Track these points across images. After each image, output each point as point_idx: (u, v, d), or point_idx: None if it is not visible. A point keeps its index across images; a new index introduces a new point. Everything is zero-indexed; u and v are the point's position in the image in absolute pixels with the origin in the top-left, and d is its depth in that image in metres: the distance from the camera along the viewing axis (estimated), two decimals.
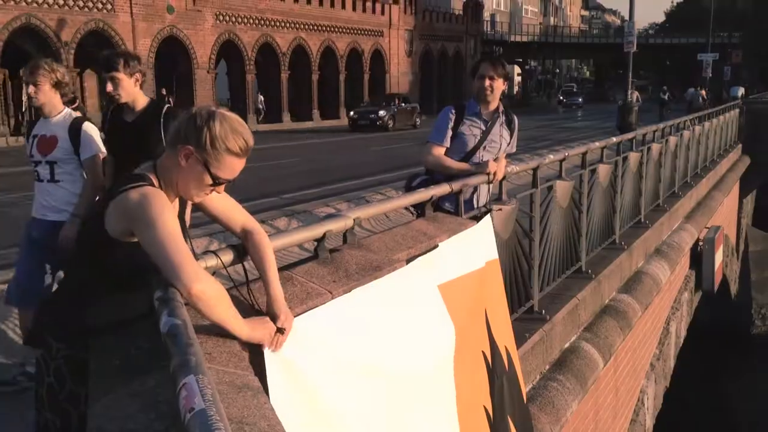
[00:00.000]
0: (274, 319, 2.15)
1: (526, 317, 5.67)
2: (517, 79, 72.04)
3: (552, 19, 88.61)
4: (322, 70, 40.61)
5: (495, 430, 3.78)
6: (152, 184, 2.19)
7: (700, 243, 11.87)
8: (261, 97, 38.78)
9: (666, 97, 35.24)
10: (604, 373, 7.15)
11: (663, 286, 9.27)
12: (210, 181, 2.20)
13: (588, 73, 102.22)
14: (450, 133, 4.88)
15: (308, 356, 2.24)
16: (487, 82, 4.81)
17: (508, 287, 5.21)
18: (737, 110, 19.91)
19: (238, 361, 1.96)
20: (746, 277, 19.41)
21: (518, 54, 65.87)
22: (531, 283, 5.76)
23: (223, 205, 2.48)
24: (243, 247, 2.45)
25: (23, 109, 28.81)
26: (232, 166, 2.20)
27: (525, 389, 4.34)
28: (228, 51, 35.30)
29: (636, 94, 24.28)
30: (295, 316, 2.26)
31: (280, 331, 2.12)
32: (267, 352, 2.07)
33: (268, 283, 2.29)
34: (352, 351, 2.51)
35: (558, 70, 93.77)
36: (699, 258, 11.80)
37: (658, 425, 9.65)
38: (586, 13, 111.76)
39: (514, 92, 67.91)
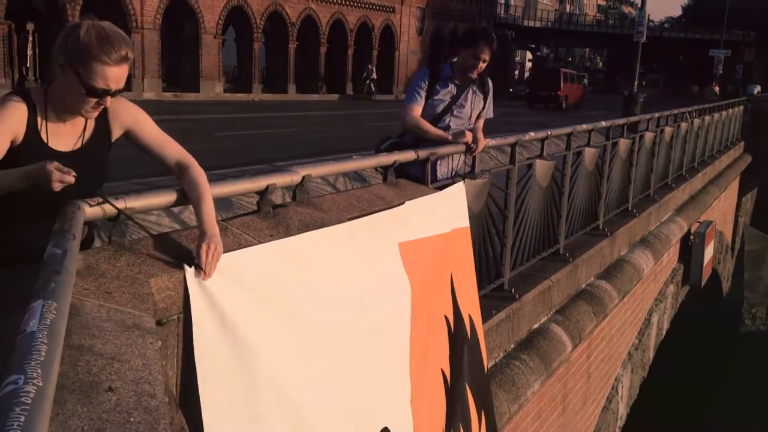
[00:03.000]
0: (199, 248, 2.13)
1: (495, 294, 5.62)
2: (528, 65, 71.51)
3: (568, 6, 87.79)
4: (330, 43, 40.32)
5: (450, 394, 3.76)
6: (26, 98, 2.21)
7: (691, 237, 11.80)
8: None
9: (696, 92, 35.15)
10: (576, 357, 7.12)
11: (646, 276, 9.22)
12: (84, 91, 2.17)
13: (600, 64, 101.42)
14: (424, 93, 4.79)
15: (234, 294, 2.20)
16: (480, 64, 4.72)
17: (477, 262, 5.16)
18: (742, 107, 19.72)
19: (140, 302, 1.91)
20: (740, 276, 19.36)
21: (531, 39, 65.28)
22: (502, 261, 5.70)
23: (155, 137, 2.45)
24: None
25: (27, 63, 28.74)
26: (104, 75, 2.17)
27: (486, 360, 4.30)
28: (236, 17, 35.03)
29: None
30: (226, 252, 2.23)
31: (201, 268, 2.09)
32: (190, 281, 2.05)
33: (199, 212, 2.29)
34: (289, 296, 2.46)
35: (570, 59, 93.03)
36: (688, 252, 11.73)
37: (633, 415, 9.65)
38: (603, 2, 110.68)
39: (525, 78, 67.42)
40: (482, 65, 4.72)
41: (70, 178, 1.98)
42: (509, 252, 5.76)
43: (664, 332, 10.96)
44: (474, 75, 4.76)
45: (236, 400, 2.12)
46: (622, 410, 9.13)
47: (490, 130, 5.36)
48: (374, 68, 40.46)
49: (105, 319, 1.66)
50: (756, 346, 18.58)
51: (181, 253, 2.26)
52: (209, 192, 2.39)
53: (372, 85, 39.58)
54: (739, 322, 19.43)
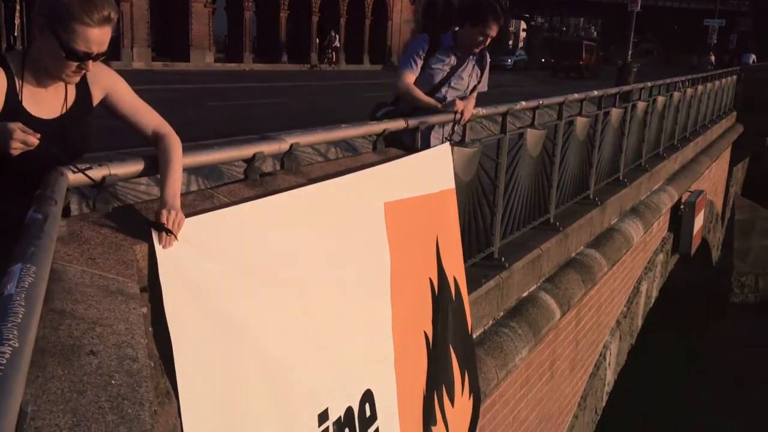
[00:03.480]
0: (158, 216, 2.09)
1: (485, 263, 5.64)
2: (523, 34, 70.91)
3: None
4: (322, 12, 39.86)
5: (433, 357, 3.79)
6: (2, 64, 2.15)
7: (681, 206, 11.84)
8: None
9: (696, 62, 35.08)
10: (565, 325, 7.19)
11: (636, 244, 9.27)
12: (64, 54, 2.12)
13: (595, 33, 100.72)
14: (421, 62, 4.76)
15: (205, 258, 2.19)
16: (487, 41, 4.68)
17: (467, 231, 5.18)
18: (735, 77, 19.67)
19: (125, 269, 1.91)
20: (729, 245, 19.48)
21: (525, 8, 64.67)
22: (492, 230, 5.72)
23: (132, 105, 2.41)
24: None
25: (15, 32, 28.31)
26: (86, 37, 2.11)
27: (471, 322, 4.34)
28: None
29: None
30: (193, 215, 2.22)
31: (166, 231, 2.06)
32: (158, 251, 2.04)
33: (163, 181, 2.24)
34: (266, 258, 2.46)
35: (565, 29, 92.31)
36: (678, 221, 11.79)
37: (620, 381, 9.77)
38: None
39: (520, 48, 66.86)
40: (488, 41, 4.70)
41: (33, 140, 1.92)
42: (499, 221, 5.77)
43: (653, 300, 11.06)
44: (477, 50, 4.74)
45: (213, 365, 2.12)
46: (610, 377, 9.25)
47: (484, 100, 5.35)
48: (338, 36, 39.86)
49: (88, 285, 1.66)
50: (745, 315, 18.79)
51: None
52: (179, 163, 2.34)
53: (334, 54, 38.93)
54: (728, 291, 19.61)
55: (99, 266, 1.85)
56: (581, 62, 39.86)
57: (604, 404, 9.29)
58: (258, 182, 2.93)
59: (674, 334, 15.21)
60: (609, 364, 9.04)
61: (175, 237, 2.07)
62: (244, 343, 2.31)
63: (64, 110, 2.30)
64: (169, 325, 1.91)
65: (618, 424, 10.43)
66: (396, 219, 3.33)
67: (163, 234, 2.05)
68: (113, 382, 1.27)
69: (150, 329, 1.92)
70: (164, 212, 2.09)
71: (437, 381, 3.81)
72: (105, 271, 1.84)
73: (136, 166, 2.31)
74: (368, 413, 3.05)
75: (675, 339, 15.34)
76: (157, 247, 2.04)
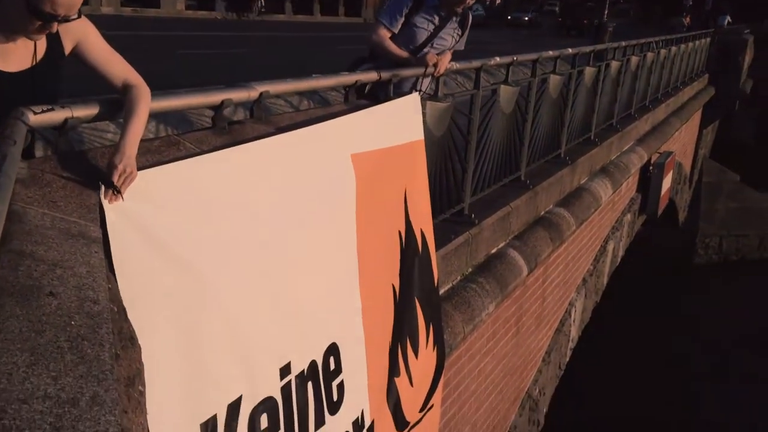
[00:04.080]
0: (112, 168, 2.04)
1: (455, 219, 5.67)
2: None
3: None
4: None
5: (399, 309, 3.82)
6: None
7: (651, 167, 11.98)
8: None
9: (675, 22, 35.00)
10: (532, 282, 7.29)
11: (604, 204, 9.38)
12: (28, 11, 2.06)
13: None
14: (402, 19, 4.70)
15: (162, 211, 2.15)
16: (470, 0, 4.64)
17: (438, 187, 5.19)
18: (708, 39, 19.75)
19: (87, 212, 1.88)
20: (696, 207, 19.82)
21: None
22: (463, 186, 5.74)
23: (102, 55, 2.35)
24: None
25: None
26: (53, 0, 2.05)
27: (437, 275, 4.37)
28: None
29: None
30: (148, 168, 2.17)
31: (113, 188, 2.01)
32: (105, 205, 1.99)
33: (126, 128, 2.18)
34: (226, 211, 2.42)
35: None
36: (647, 181, 11.93)
37: (584, 337, 9.99)
38: None
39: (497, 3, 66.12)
40: (470, 1, 4.65)
41: None
42: (470, 177, 5.79)
43: (619, 260, 11.25)
44: (461, 10, 4.69)
45: (170, 317, 2.10)
46: (574, 333, 9.45)
47: (464, 57, 5.31)
48: None
49: (48, 227, 1.64)
50: (708, 275, 19.23)
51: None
52: (144, 115, 2.28)
53: (260, 1, 37.85)
54: (692, 252, 20.02)
55: (60, 209, 1.82)
56: (585, 21, 41.86)
57: (567, 359, 9.51)
58: (226, 130, 2.89)
59: (638, 293, 15.54)
60: (574, 321, 9.23)
61: (122, 196, 2.01)
62: (204, 296, 2.29)
63: (34, 62, 2.26)
64: (116, 275, 1.87)
65: (581, 379, 10.71)
66: (363, 171, 3.30)
67: (110, 190, 1.99)
68: (73, 323, 1.26)
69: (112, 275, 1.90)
70: (115, 169, 2.03)
71: (402, 333, 3.84)
72: (66, 215, 1.81)
73: (99, 109, 2.26)
74: (332, 366, 3.07)
75: (639, 298, 15.68)
76: (104, 201, 2.00)
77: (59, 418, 1.03)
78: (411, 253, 3.95)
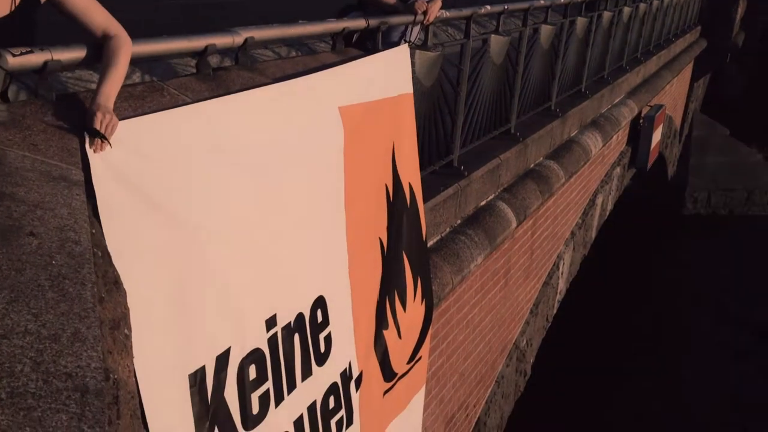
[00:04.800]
0: (91, 119, 1.99)
1: (444, 171, 5.66)
2: None
3: None
4: None
5: (387, 262, 3.83)
6: None
7: (641, 120, 11.95)
8: None
9: None
10: (521, 234, 7.32)
11: (594, 157, 9.37)
12: None
13: None
14: None
15: (146, 161, 2.11)
16: None
17: (427, 138, 5.16)
18: None
19: (68, 156, 1.85)
20: (685, 161, 19.85)
21: None
22: (453, 138, 5.70)
23: (81, 3, 2.28)
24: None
25: None
26: None
27: (425, 229, 4.37)
28: None
29: None
30: (129, 118, 2.13)
31: (100, 135, 1.97)
32: (90, 153, 1.95)
33: (101, 81, 2.13)
34: (212, 163, 2.40)
35: None
36: (637, 135, 11.91)
37: (572, 290, 10.09)
38: None
39: None
40: None
41: None
42: (460, 129, 5.75)
43: (607, 213, 11.30)
44: None
45: (156, 268, 2.09)
46: (562, 285, 9.54)
47: (454, 6, 5.23)
48: None
49: (29, 169, 1.61)
50: (696, 229, 19.38)
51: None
52: (124, 66, 2.23)
53: None
54: (681, 206, 20.12)
55: (41, 152, 1.80)
56: None
57: (555, 312, 9.62)
58: (210, 76, 2.84)
59: (626, 247, 15.66)
60: (562, 274, 9.30)
61: (108, 143, 1.98)
62: (190, 246, 2.27)
63: (13, 7, 2.20)
64: (101, 222, 1.84)
65: (568, 331, 10.85)
66: (351, 124, 3.26)
67: (97, 139, 1.96)
68: (54, 262, 1.24)
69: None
70: (98, 116, 1.99)
71: (390, 286, 3.86)
72: (47, 158, 1.78)
73: (80, 53, 2.21)
74: (320, 319, 3.08)
75: (627, 251, 15.80)
76: (89, 151, 1.96)
77: (40, 353, 1.02)
78: (399, 206, 3.94)
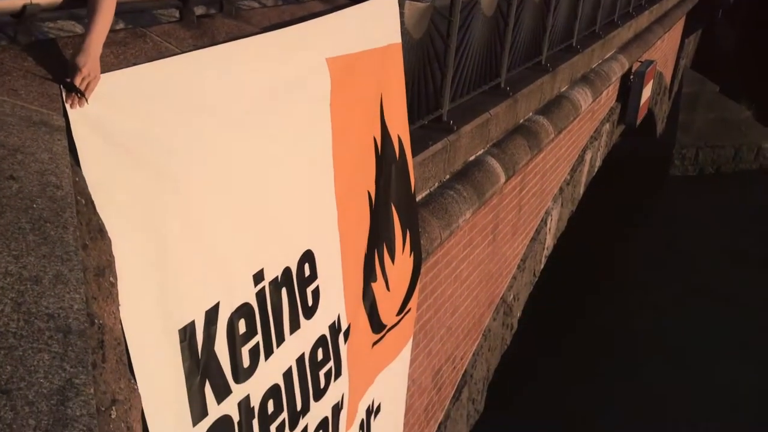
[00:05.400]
0: (74, 71, 1.92)
1: (433, 125, 5.62)
2: None
3: None
4: None
5: (375, 215, 3.81)
6: None
7: (631, 76, 11.88)
8: None
9: None
10: (509, 190, 7.33)
11: (583, 113, 9.34)
12: None
13: None
14: None
15: (128, 114, 2.06)
16: None
17: (416, 92, 5.10)
18: None
19: (49, 102, 1.81)
20: (674, 118, 19.83)
21: None
22: (442, 92, 5.65)
23: None
24: None
25: None
26: None
27: (414, 182, 4.36)
28: None
29: None
30: (111, 70, 2.08)
31: (77, 91, 1.90)
32: (69, 110, 1.89)
33: (86, 32, 2.06)
34: (197, 116, 2.36)
35: None
36: (627, 91, 11.86)
37: (559, 245, 10.16)
38: None
39: None
40: None
41: None
42: (449, 83, 5.69)
43: (596, 169, 11.32)
44: None
45: (140, 221, 2.07)
46: (549, 241, 9.59)
47: None
48: None
49: (8, 114, 1.58)
50: (683, 186, 19.49)
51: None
52: (110, 12, 2.14)
53: None
54: (669, 164, 20.18)
55: (21, 98, 1.76)
56: None
57: (542, 267, 9.70)
58: (195, 24, 2.78)
59: (614, 203, 15.73)
60: (549, 229, 9.35)
61: (86, 100, 1.92)
62: (174, 200, 2.24)
63: None
64: (83, 174, 1.80)
65: (554, 286, 10.96)
66: (339, 75, 3.21)
67: (73, 94, 1.89)
68: (35, 206, 1.22)
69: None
70: (78, 72, 1.91)
71: (378, 239, 3.85)
72: (27, 103, 1.74)
73: None
74: (308, 273, 3.08)
75: (614, 207, 15.88)
76: (67, 105, 1.90)
77: (21, 294, 1.01)
78: (387, 159, 3.91)
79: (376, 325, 4.01)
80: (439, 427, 6.89)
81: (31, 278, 1.03)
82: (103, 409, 1.10)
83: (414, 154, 4.71)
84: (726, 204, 18.13)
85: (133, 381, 1.49)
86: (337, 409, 3.40)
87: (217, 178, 2.44)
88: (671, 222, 17.00)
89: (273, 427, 2.86)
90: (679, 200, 18.45)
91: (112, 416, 1.12)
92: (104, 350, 1.23)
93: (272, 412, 2.82)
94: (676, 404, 11.28)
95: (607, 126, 11.31)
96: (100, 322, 1.30)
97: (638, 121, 12.12)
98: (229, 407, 2.53)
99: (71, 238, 1.18)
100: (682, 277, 14.77)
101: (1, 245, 1.08)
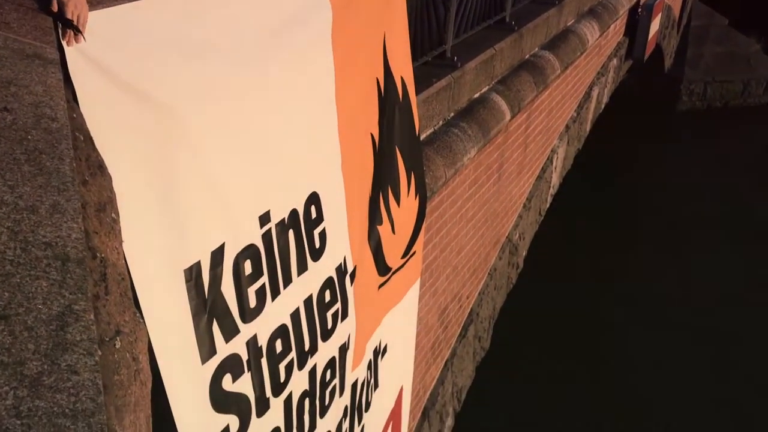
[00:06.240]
0: (61, 7, 1.84)
1: (437, 62, 5.52)
2: None
3: None
4: None
5: (379, 158, 3.78)
6: None
7: (639, 9, 11.62)
8: None
9: None
10: (515, 128, 7.25)
11: (590, 48, 9.17)
12: None
13: None
14: None
15: (125, 52, 2.00)
16: None
17: (419, 27, 5.00)
18: None
19: (42, 35, 1.76)
20: (682, 54, 19.48)
21: None
22: (446, 27, 5.53)
23: None
24: None
25: None
26: None
27: (418, 123, 4.31)
28: None
29: None
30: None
31: (73, 27, 1.82)
32: (66, 47, 1.84)
33: None
34: (198, 51, 2.30)
35: None
36: (634, 25, 11.62)
37: (565, 184, 10.12)
38: None
39: None
40: None
41: None
42: (453, 18, 5.57)
43: (603, 106, 11.18)
44: None
45: (141, 157, 2.03)
46: (555, 180, 9.55)
47: None
48: None
49: (1, 47, 1.54)
50: (690, 121, 19.26)
51: None
52: None
53: None
54: (676, 99, 19.91)
55: (14, 30, 1.71)
56: None
57: (548, 206, 9.68)
58: None
59: (621, 140, 15.60)
60: (555, 168, 9.29)
61: (82, 36, 1.84)
62: (176, 137, 2.20)
63: None
64: (81, 110, 1.76)
65: (560, 224, 10.96)
66: (340, 15, 3.12)
67: (69, 31, 1.82)
68: (29, 137, 1.19)
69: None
70: (66, 6, 1.82)
71: (383, 182, 3.82)
72: (20, 36, 1.69)
73: None
74: (314, 215, 3.06)
75: (621, 145, 15.76)
76: (63, 42, 1.83)
77: (17, 223, 0.99)
78: (391, 101, 3.84)
79: (382, 268, 4.01)
80: (445, 364, 7.00)
81: (28, 208, 1.01)
82: (107, 339, 1.10)
83: (418, 91, 4.64)
84: (735, 139, 17.95)
85: (138, 314, 1.49)
86: (343, 349, 3.44)
87: (220, 118, 2.40)
88: (678, 158, 16.87)
89: (281, 366, 2.89)
90: (687, 134, 18.26)
91: (117, 346, 1.12)
92: (107, 283, 1.22)
93: (280, 352, 2.85)
94: (681, 310, 11.43)
95: (615, 61, 11.11)
96: (103, 255, 1.28)
97: (646, 57, 11.91)
98: (238, 346, 2.55)
99: (68, 169, 1.16)
100: (692, 210, 14.71)
101: None
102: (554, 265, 12.00)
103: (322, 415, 3.30)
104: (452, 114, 5.83)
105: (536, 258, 9.41)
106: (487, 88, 6.42)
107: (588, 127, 10.51)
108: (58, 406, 0.74)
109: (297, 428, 3.06)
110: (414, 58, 4.53)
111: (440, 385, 6.88)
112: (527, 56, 7.32)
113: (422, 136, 5.15)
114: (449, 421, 7.31)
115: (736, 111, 20.00)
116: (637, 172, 16.03)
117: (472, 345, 7.73)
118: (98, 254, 1.26)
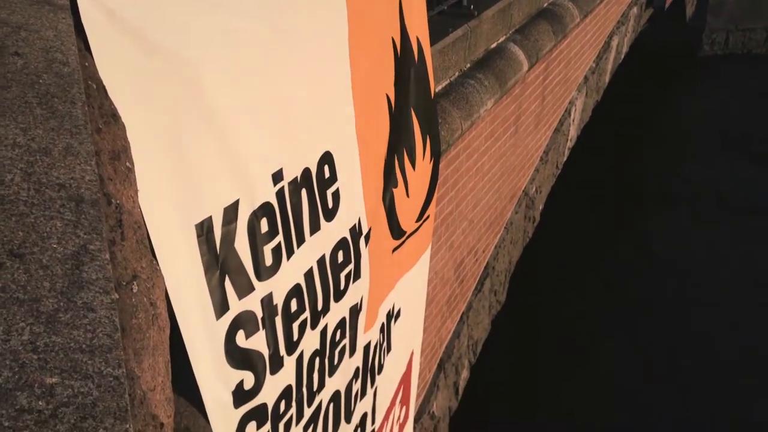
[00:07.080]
0: None
1: (453, 11, 5.42)
2: None
3: None
4: None
5: (395, 121, 3.73)
6: None
7: None
8: None
9: None
10: (533, 79, 7.14)
11: None
12: None
13: None
14: None
15: (139, 4, 1.98)
16: None
17: None
18: None
19: None
20: (704, 1, 19.02)
21: None
22: None
23: None
24: None
25: None
26: None
27: (433, 85, 4.25)
28: None
29: None
30: None
31: None
32: None
33: None
34: (207, 5, 2.26)
35: None
36: None
37: (582, 137, 10.00)
38: None
39: None
40: None
41: None
42: None
43: (622, 56, 10.96)
44: None
45: (153, 106, 2.01)
46: (573, 132, 9.44)
47: None
48: None
49: None
50: (712, 70, 18.88)
51: None
52: None
53: None
54: (697, 48, 19.49)
55: None
56: None
57: (565, 159, 9.59)
58: None
59: (640, 91, 15.34)
60: (573, 120, 9.18)
61: None
62: (188, 88, 2.17)
63: None
64: (95, 61, 1.73)
65: (576, 178, 10.87)
66: None
67: None
68: (41, 81, 1.18)
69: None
70: None
71: (398, 144, 3.77)
72: None
73: None
74: (327, 174, 3.03)
75: (641, 96, 15.50)
76: None
77: (30, 164, 0.98)
78: (407, 62, 3.77)
79: (396, 231, 3.99)
80: (461, 318, 7.04)
81: (41, 150, 1.00)
82: (124, 283, 1.10)
83: (433, 41, 4.56)
84: (755, 86, 17.59)
85: (155, 262, 1.49)
86: (355, 310, 3.44)
87: (233, 71, 2.36)
88: (700, 106, 16.57)
89: (295, 325, 2.90)
90: (706, 86, 17.90)
91: (134, 290, 1.12)
92: (123, 229, 1.21)
93: (295, 311, 2.86)
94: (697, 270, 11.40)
95: (635, 10, 10.86)
96: (118, 202, 1.28)
97: (667, 5, 11.63)
98: (252, 303, 2.56)
99: (80, 113, 1.14)
100: (706, 163, 14.53)
101: (8, 119, 1.04)
102: (572, 218, 11.93)
103: (330, 374, 3.33)
104: (468, 65, 5.74)
105: (553, 212, 9.37)
106: (504, 37, 6.31)
107: (607, 78, 10.33)
108: (74, 342, 0.75)
109: (306, 386, 3.10)
110: (430, 7, 4.45)
111: (456, 338, 6.94)
112: (546, 4, 7.16)
113: (438, 88, 5.08)
114: (465, 373, 7.39)
115: (759, 59, 19.58)
116: (653, 122, 15.79)
117: (488, 299, 7.76)
118: (113, 200, 1.25)
